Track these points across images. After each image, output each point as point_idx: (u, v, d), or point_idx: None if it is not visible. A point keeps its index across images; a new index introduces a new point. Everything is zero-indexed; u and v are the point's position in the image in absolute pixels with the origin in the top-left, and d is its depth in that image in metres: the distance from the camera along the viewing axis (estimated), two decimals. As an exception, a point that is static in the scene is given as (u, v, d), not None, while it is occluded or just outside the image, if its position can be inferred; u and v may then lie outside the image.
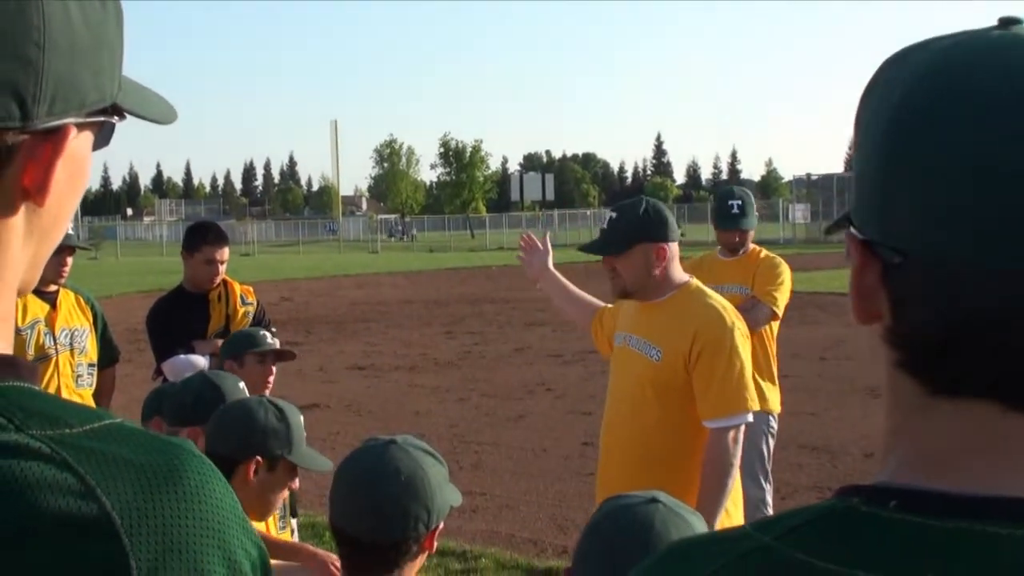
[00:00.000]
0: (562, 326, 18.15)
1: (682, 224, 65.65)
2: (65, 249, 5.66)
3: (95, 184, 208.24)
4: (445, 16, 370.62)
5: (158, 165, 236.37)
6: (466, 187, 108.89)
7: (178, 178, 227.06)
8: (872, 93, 0.87)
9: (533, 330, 19.34)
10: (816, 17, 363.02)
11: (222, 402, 3.38)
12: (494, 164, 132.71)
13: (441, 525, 2.40)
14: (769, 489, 6.50)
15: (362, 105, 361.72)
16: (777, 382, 6.60)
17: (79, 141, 0.93)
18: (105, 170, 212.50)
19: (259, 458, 3.09)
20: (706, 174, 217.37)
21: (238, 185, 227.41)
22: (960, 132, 0.79)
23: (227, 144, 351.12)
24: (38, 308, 5.66)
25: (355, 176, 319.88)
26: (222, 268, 5.91)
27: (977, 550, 0.77)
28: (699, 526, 2.00)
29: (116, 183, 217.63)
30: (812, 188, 67.33)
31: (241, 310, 5.94)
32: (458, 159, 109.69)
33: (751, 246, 6.64)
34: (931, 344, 0.82)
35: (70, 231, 5.81)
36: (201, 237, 5.95)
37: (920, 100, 0.82)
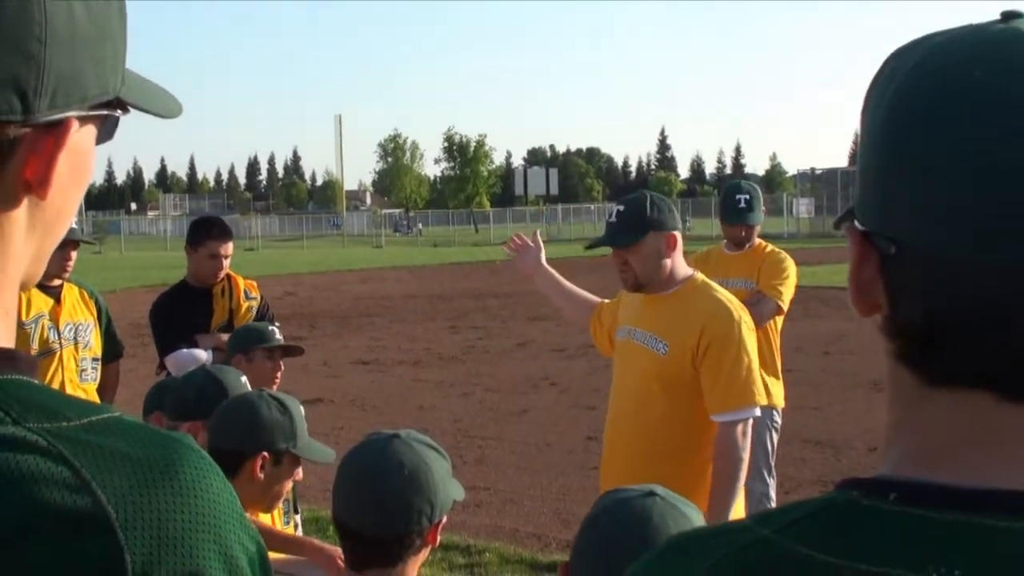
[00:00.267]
0: (565, 321, 18.14)
1: (687, 219, 65.64)
2: (69, 243, 5.66)
3: (99, 178, 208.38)
4: (449, 11, 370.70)
5: (162, 160, 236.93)
6: (470, 182, 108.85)
7: (182, 173, 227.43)
8: (875, 87, 0.88)
9: (537, 324, 19.34)
10: (820, 11, 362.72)
11: (224, 397, 3.38)
12: (498, 159, 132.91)
13: (444, 519, 2.40)
14: (772, 484, 6.51)
15: (366, 100, 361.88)
16: (781, 376, 6.60)
17: (82, 135, 0.93)
18: (109, 164, 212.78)
19: (265, 454, 3.09)
20: (710, 168, 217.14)
21: (242, 180, 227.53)
22: (958, 128, 0.79)
23: (231, 138, 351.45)
24: (42, 302, 5.66)
25: (359, 171, 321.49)
26: (226, 263, 5.92)
27: (976, 543, 0.77)
28: (697, 519, 2.00)
29: (120, 177, 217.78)
30: (816, 182, 67.33)
31: (244, 304, 5.95)
32: (462, 153, 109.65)
33: (757, 241, 6.64)
34: (926, 335, 0.83)
35: (74, 225, 5.81)
36: (205, 232, 5.95)
37: (918, 95, 0.82)
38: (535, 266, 4.99)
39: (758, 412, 4.26)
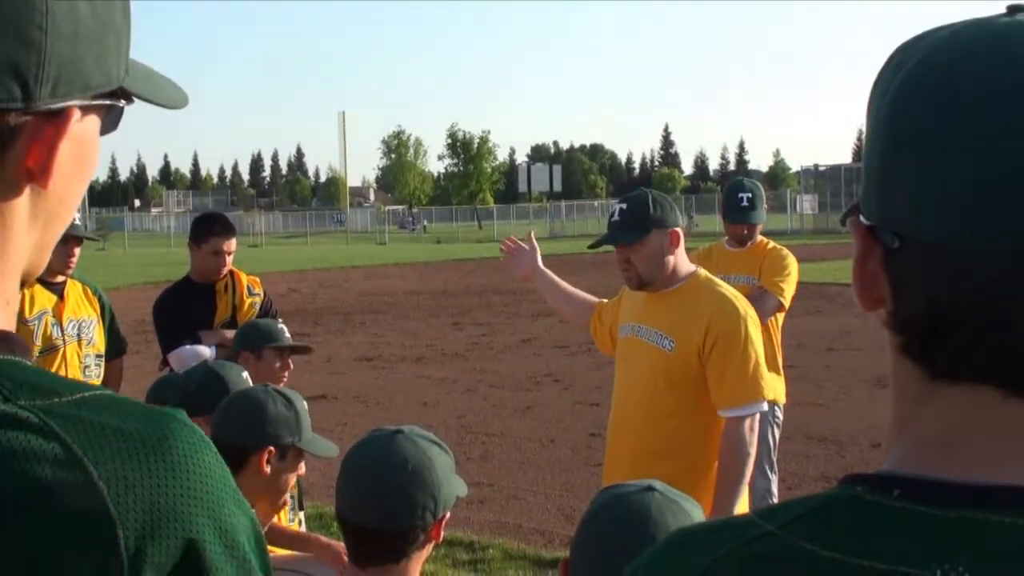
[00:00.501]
0: (566, 321, 18.13)
1: (692, 215, 65.55)
2: (72, 240, 5.66)
3: (102, 175, 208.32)
4: (452, 7, 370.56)
5: (166, 156, 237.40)
6: (473, 178, 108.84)
7: (186, 169, 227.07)
8: (880, 81, 0.88)
9: (540, 321, 19.33)
10: (824, 7, 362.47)
11: (227, 392, 3.38)
12: (501, 155, 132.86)
13: (448, 515, 2.40)
14: (775, 479, 6.52)
15: (370, 96, 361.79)
16: (782, 372, 6.60)
17: (85, 124, 0.93)
18: (113, 161, 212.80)
19: (271, 448, 3.09)
20: (714, 165, 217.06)
21: (246, 176, 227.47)
22: (959, 122, 0.79)
23: (235, 135, 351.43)
24: (45, 299, 5.67)
25: (363, 167, 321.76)
26: (229, 259, 5.91)
27: (980, 539, 0.77)
28: (697, 514, 2.00)
29: (124, 174, 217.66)
30: (820, 179, 67.22)
31: (248, 301, 5.95)
32: (466, 150, 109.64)
33: (758, 238, 6.65)
34: (929, 328, 0.82)
35: (77, 222, 5.81)
36: (208, 228, 5.95)
37: (920, 89, 0.82)
38: (532, 268, 4.98)
39: (765, 407, 4.27)
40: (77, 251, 5.77)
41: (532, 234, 5.19)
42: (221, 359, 4.81)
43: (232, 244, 5.95)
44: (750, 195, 6.57)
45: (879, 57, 0.91)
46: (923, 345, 0.84)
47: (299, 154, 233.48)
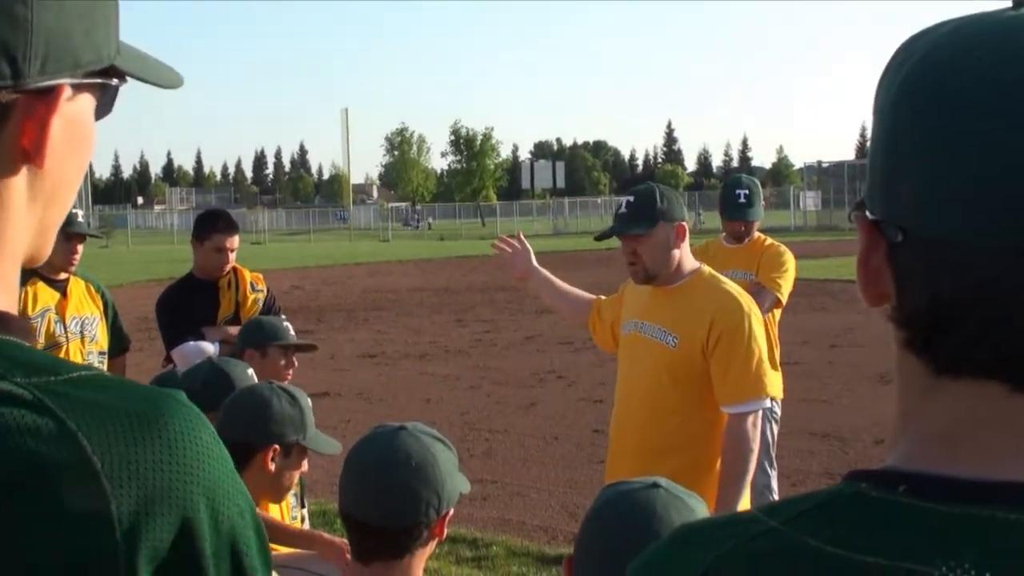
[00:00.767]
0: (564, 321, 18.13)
1: (699, 212, 65.48)
2: (75, 237, 5.67)
3: (105, 172, 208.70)
4: (455, 4, 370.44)
5: (169, 153, 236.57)
6: (477, 175, 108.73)
7: (189, 166, 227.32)
8: (885, 76, 0.88)
9: (544, 318, 19.31)
10: (828, 4, 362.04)
11: (231, 389, 3.38)
12: (505, 152, 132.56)
13: (451, 511, 2.39)
14: (774, 474, 6.54)
15: (373, 93, 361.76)
16: (779, 368, 6.61)
17: (78, 104, 0.93)
18: (116, 158, 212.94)
19: (276, 446, 3.10)
20: (717, 161, 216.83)
21: (249, 173, 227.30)
22: (961, 116, 0.79)
23: (238, 132, 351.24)
24: (48, 296, 5.67)
25: (366, 164, 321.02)
26: (232, 256, 5.91)
27: (986, 536, 0.76)
28: (701, 511, 1.99)
29: (127, 171, 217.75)
30: (823, 175, 67.19)
31: (251, 297, 5.95)
32: (469, 147, 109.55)
33: (756, 234, 6.67)
34: (932, 323, 0.82)
35: (80, 219, 5.82)
36: (211, 225, 5.95)
37: (923, 84, 0.82)
38: (527, 268, 4.93)
39: (768, 404, 4.27)
40: (80, 248, 5.78)
41: (521, 234, 5.13)
42: (225, 356, 4.81)
43: (235, 241, 5.95)
44: (747, 192, 6.58)
45: (883, 53, 0.90)
46: (926, 340, 0.83)
47: (302, 151, 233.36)
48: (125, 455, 0.82)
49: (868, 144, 0.91)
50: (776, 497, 6.34)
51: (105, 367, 5.91)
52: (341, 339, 17.85)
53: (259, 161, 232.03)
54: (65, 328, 5.70)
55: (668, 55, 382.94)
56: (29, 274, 5.48)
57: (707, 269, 4.39)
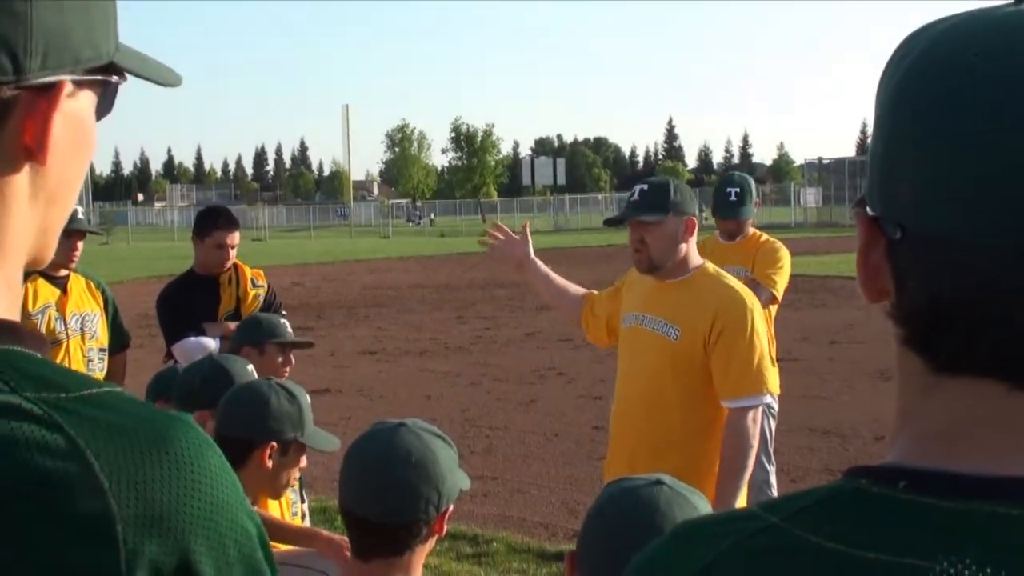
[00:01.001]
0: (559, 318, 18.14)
1: (703, 208, 65.59)
2: (75, 234, 5.67)
3: (106, 169, 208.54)
4: (456, 1, 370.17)
5: (169, 150, 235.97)
6: (477, 172, 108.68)
7: (189, 163, 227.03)
8: (886, 73, 0.88)
9: (544, 314, 19.29)
10: (828, 1, 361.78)
11: (231, 386, 3.38)
12: (505, 148, 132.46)
13: (451, 508, 2.39)
14: (772, 470, 6.55)
15: (373, 90, 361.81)
16: (776, 364, 6.63)
17: (79, 101, 0.93)
18: (116, 155, 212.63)
19: (274, 443, 3.10)
20: (718, 158, 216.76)
21: (249, 170, 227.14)
22: (958, 113, 0.79)
23: (238, 129, 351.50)
24: (49, 293, 5.68)
25: (366, 161, 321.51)
26: (232, 253, 5.92)
27: (988, 531, 0.76)
28: (704, 508, 1.99)
29: (127, 168, 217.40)
30: (824, 172, 67.19)
31: (252, 293, 5.95)
32: (469, 143, 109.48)
33: (751, 230, 6.69)
34: (931, 320, 0.82)
35: (80, 215, 5.82)
36: (212, 222, 5.95)
37: (921, 81, 0.82)
38: (524, 259, 4.83)
39: (768, 400, 4.28)
40: (80, 245, 5.78)
41: (528, 225, 5.05)
42: (225, 352, 4.81)
43: (236, 237, 5.96)
44: (738, 190, 6.60)
45: (885, 49, 0.90)
46: (925, 338, 0.83)
47: (303, 148, 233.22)
48: (133, 476, 0.82)
49: (869, 141, 0.91)
50: (775, 493, 6.36)
51: (105, 364, 5.93)
52: (341, 336, 17.87)
53: (260, 158, 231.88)
54: (65, 325, 5.70)
55: (669, 51, 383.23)
56: (29, 271, 5.47)
57: (711, 265, 4.40)
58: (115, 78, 0.97)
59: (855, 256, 0.88)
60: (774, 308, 6.58)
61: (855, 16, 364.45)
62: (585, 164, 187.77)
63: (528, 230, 4.95)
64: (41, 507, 0.80)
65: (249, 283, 5.97)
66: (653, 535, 1.00)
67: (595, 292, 4.84)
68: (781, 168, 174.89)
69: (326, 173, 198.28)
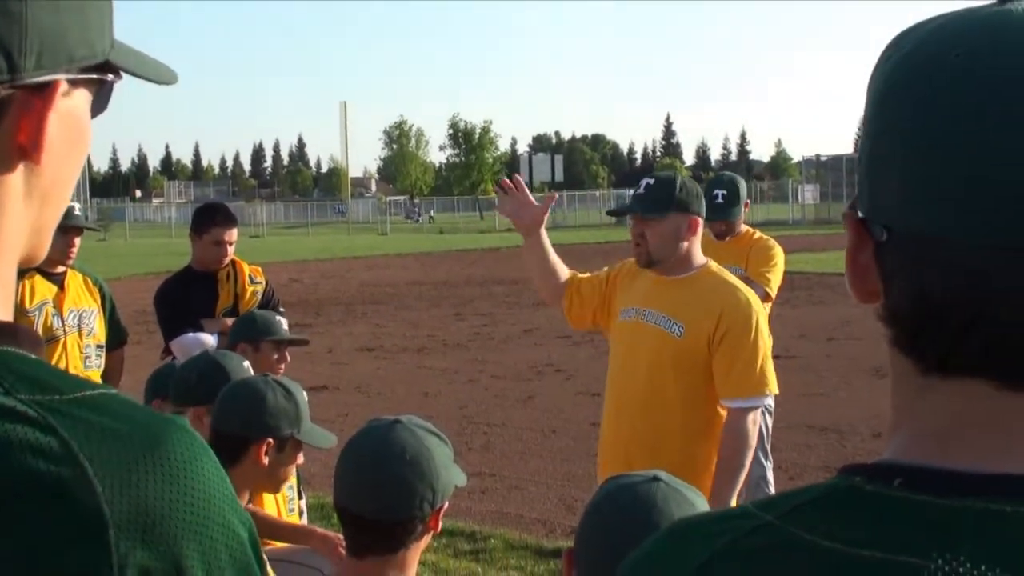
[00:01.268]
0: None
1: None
2: (72, 230, 5.67)
3: (103, 165, 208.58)
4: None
5: (167, 147, 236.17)
6: (475, 168, 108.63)
7: (187, 160, 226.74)
8: (873, 74, 0.88)
9: (542, 311, 19.30)
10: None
11: (227, 381, 3.38)
12: (503, 145, 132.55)
13: (446, 505, 2.39)
14: (769, 466, 6.56)
15: (371, 86, 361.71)
16: (773, 361, 6.64)
17: (74, 100, 0.93)
18: (114, 151, 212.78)
19: (270, 440, 3.10)
20: (715, 155, 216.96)
21: (247, 167, 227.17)
22: (940, 113, 0.79)
23: (236, 126, 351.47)
24: (46, 289, 5.67)
25: (364, 158, 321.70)
26: (230, 249, 5.92)
27: (983, 528, 0.76)
28: (701, 505, 1.99)
29: (125, 164, 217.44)
30: (821, 169, 67.27)
31: (250, 289, 5.95)
32: (467, 140, 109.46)
33: (744, 228, 6.70)
34: (918, 322, 0.82)
35: (77, 211, 5.82)
36: (210, 218, 5.95)
37: (904, 82, 0.83)
38: (533, 227, 4.55)
39: (768, 401, 4.28)
40: (77, 242, 5.78)
41: (554, 198, 4.84)
42: (222, 347, 4.81)
43: (233, 234, 5.95)
44: (725, 192, 6.60)
45: (882, 46, 0.90)
46: (914, 339, 0.84)
47: (300, 144, 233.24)
48: (125, 480, 0.82)
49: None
50: (772, 490, 6.37)
51: (103, 360, 5.93)
52: (339, 332, 17.87)
53: (257, 154, 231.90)
54: (63, 321, 5.70)
55: (667, 48, 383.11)
56: (25, 268, 5.47)
57: (715, 264, 4.39)
58: (110, 76, 0.97)
59: (844, 256, 0.88)
60: (768, 306, 6.59)
61: (853, 14, 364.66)
62: (583, 161, 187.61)
63: (551, 202, 4.70)
64: (33, 510, 0.79)
65: (247, 280, 5.97)
66: (650, 532, 1.00)
67: (581, 275, 4.74)
68: (779, 165, 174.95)
69: (324, 170, 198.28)
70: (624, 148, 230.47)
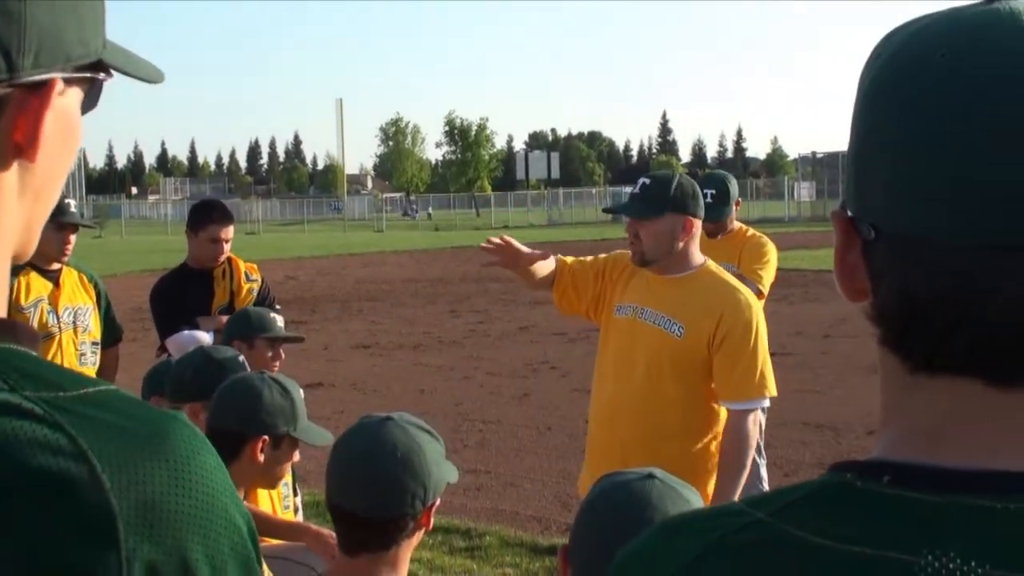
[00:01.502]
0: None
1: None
2: (68, 227, 5.66)
3: (99, 162, 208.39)
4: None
5: (163, 143, 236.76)
6: (471, 165, 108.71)
7: (183, 156, 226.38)
8: (862, 73, 0.89)
9: (538, 308, 19.31)
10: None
11: (223, 378, 3.38)
12: (499, 142, 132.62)
13: (438, 501, 2.40)
14: (763, 463, 6.57)
15: (368, 83, 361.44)
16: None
17: (68, 98, 0.94)
18: (110, 148, 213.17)
19: (266, 437, 3.10)
20: (712, 152, 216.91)
21: (243, 164, 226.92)
22: (924, 113, 0.80)
23: (232, 122, 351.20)
24: (41, 286, 5.67)
25: (360, 155, 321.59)
26: (227, 247, 5.91)
27: (971, 524, 0.77)
28: (696, 502, 2.00)
29: (121, 161, 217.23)
30: (817, 166, 67.33)
31: (245, 286, 5.95)
32: (463, 137, 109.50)
33: (736, 226, 6.68)
34: (904, 321, 0.83)
35: (73, 208, 5.81)
36: (206, 216, 5.94)
37: (889, 81, 0.84)
38: (516, 262, 4.49)
39: (767, 403, 4.28)
40: (73, 238, 5.77)
41: (549, 254, 4.65)
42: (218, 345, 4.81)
43: (230, 232, 5.95)
44: (714, 191, 6.57)
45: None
46: (900, 338, 0.84)
47: (296, 141, 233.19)
48: (133, 475, 0.83)
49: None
50: (767, 487, 6.38)
51: (98, 357, 5.92)
52: (335, 329, 17.87)
53: (253, 151, 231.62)
54: (58, 318, 5.69)
55: (663, 46, 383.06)
56: (21, 264, 5.47)
57: (712, 264, 4.37)
58: (102, 75, 0.97)
59: (832, 255, 0.89)
60: (761, 302, 6.59)
61: (850, 13, 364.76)
62: (579, 158, 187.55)
63: (543, 258, 4.53)
64: (44, 506, 0.80)
65: (243, 277, 5.97)
66: (645, 529, 1.00)
67: (567, 259, 4.60)
68: (775, 162, 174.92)
69: (320, 167, 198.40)
70: (620, 145, 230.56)
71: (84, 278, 5.98)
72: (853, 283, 0.88)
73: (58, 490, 0.80)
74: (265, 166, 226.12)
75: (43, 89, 0.89)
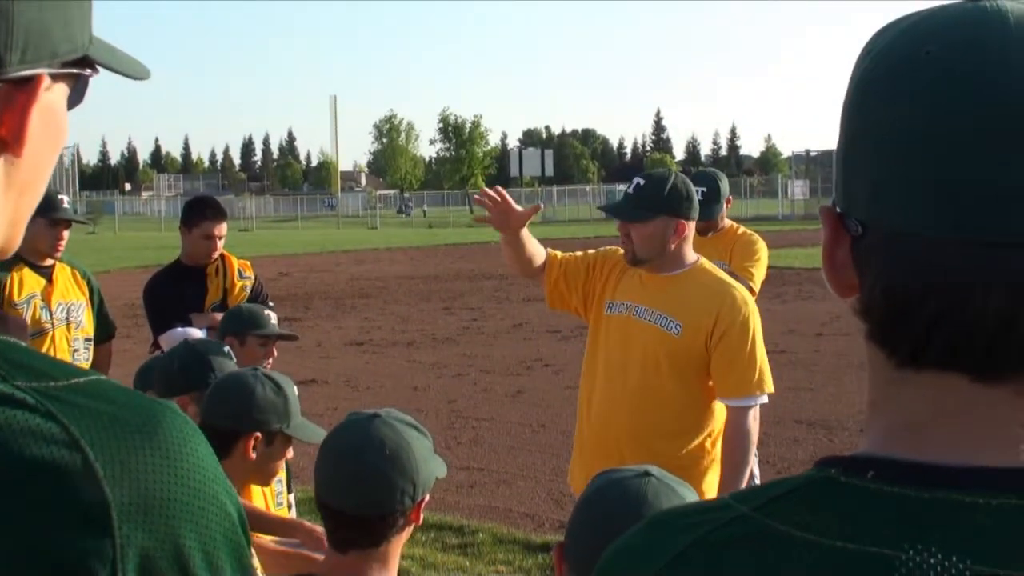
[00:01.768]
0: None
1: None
2: (61, 223, 5.66)
3: (93, 158, 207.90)
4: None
5: (156, 140, 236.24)
6: (465, 163, 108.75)
7: (177, 153, 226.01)
8: (852, 71, 0.89)
9: (531, 305, 19.31)
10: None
11: (210, 371, 3.38)
12: (493, 140, 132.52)
13: (427, 498, 2.40)
14: (755, 460, 6.57)
15: (361, 80, 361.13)
16: None
17: (54, 93, 0.94)
18: (103, 145, 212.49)
19: (258, 434, 3.09)
20: (705, 150, 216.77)
21: (237, 160, 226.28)
22: (911, 110, 0.80)
23: (226, 119, 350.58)
24: (34, 282, 5.67)
25: (354, 151, 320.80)
26: (220, 243, 5.92)
27: (953, 520, 0.77)
28: (691, 499, 2.00)
29: (114, 158, 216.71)
30: (811, 164, 67.32)
31: (239, 284, 5.95)
32: (457, 135, 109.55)
33: (727, 223, 6.69)
34: (889, 315, 0.84)
35: (66, 204, 5.80)
36: (200, 212, 5.94)
37: (876, 78, 0.84)
38: (516, 229, 4.41)
39: (766, 399, 4.29)
40: (66, 235, 5.77)
41: (540, 205, 4.78)
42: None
43: (223, 228, 5.95)
44: (704, 189, 6.56)
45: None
46: (884, 332, 0.85)
47: (290, 138, 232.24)
48: (125, 463, 0.83)
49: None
50: (759, 482, 6.39)
51: (91, 353, 5.92)
52: (328, 327, 17.86)
53: (247, 148, 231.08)
54: (51, 314, 5.69)
55: (657, 44, 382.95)
56: (15, 260, 5.48)
57: (707, 261, 4.37)
58: (88, 71, 0.98)
59: (821, 251, 0.90)
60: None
61: (844, 11, 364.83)
62: (573, 155, 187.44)
63: (536, 212, 4.54)
64: (39, 495, 0.80)
65: (236, 274, 5.97)
66: (640, 527, 1.01)
67: (557, 253, 4.57)
68: (769, 160, 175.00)
69: (314, 163, 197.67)
70: (614, 143, 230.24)
71: (77, 274, 5.98)
72: (841, 279, 0.88)
73: (51, 479, 0.80)
74: (259, 163, 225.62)
75: (29, 85, 0.89)
